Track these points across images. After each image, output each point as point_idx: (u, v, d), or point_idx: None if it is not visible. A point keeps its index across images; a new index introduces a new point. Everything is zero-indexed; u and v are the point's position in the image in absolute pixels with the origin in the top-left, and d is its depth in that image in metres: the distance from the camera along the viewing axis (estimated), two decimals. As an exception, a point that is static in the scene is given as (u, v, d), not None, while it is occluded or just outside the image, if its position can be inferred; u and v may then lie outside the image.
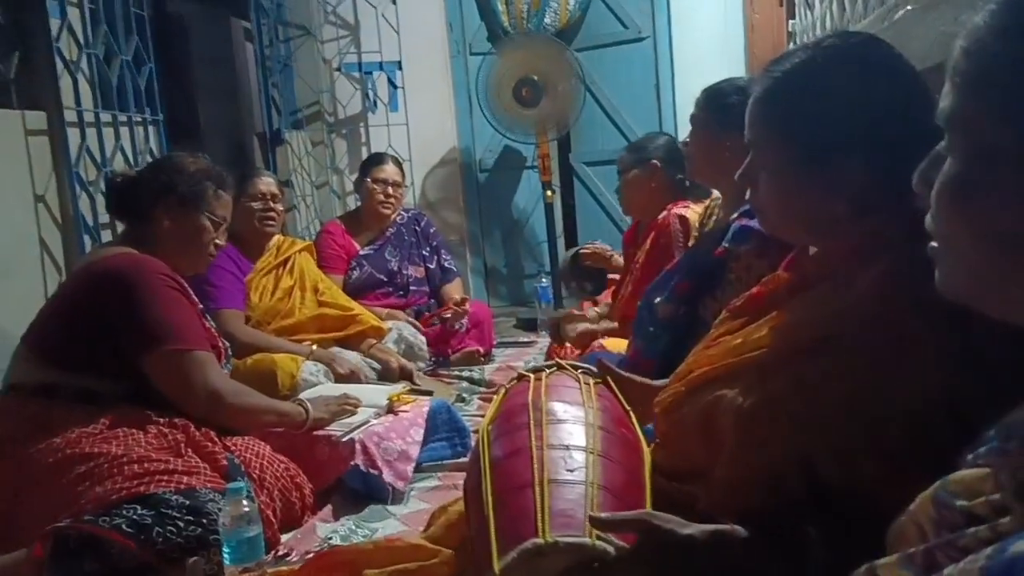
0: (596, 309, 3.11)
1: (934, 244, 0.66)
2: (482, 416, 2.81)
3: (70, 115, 2.70)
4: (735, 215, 1.75)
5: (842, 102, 1.02)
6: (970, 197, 0.61)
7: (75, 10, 2.79)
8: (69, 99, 2.71)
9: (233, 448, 1.86)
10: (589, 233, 5.41)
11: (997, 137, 0.58)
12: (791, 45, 3.90)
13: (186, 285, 2.00)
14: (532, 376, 1.39)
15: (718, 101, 1.90)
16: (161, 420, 1.81)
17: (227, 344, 2.15)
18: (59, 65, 2.66)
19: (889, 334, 0.93)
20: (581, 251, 3.55)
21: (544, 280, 4.58)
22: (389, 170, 3.85)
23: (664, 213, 2.55)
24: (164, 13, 5.13)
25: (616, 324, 2.71)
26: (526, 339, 4.46)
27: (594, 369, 1.44)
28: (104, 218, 2.81)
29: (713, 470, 1.07)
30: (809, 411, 0.95)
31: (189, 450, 1.77)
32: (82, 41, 2.80)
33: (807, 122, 1.04)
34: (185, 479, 1.68)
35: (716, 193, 2.16)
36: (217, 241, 2.06)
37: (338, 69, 5.10)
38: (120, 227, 2.66)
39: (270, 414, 2.09)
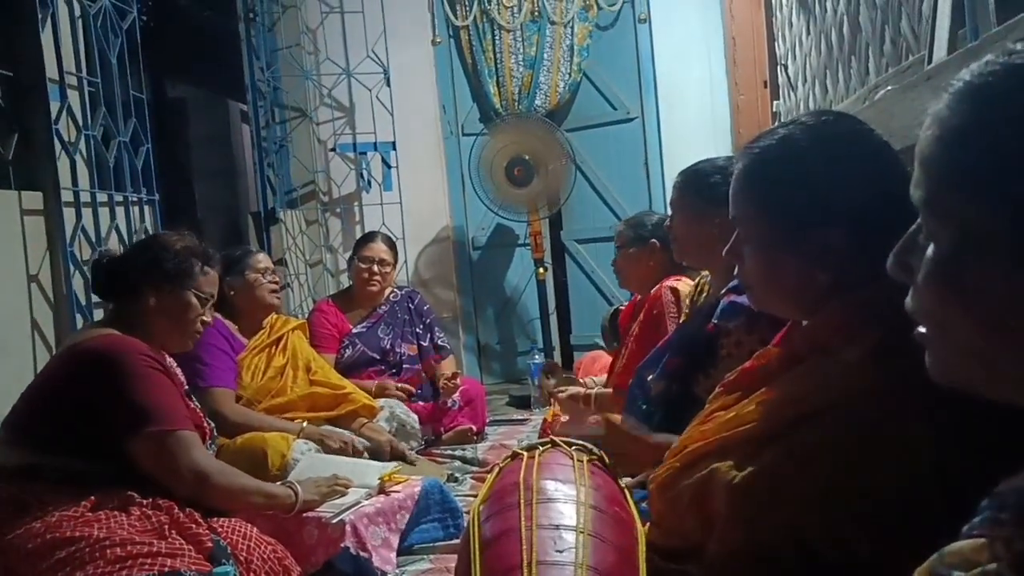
0: (595, 378, 3.11)
1: (922, 330, 0.66)
2: (475, 496, 2.78)
3: (67, 195, 2.73)
4: (723, 291, 1.76)
5: (818, 176, 1.05)
6: (962, 282, 0.61)
7: (75, 93, 2.85)
8: (66, 179, 2.74)
9: (219, 529, 1.82)
10: (581, 310, 5.43)
11: (984, 225, 0.59)
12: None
13: (168, 365, 1.98)
14: (525, 454, 1.37)
15: (700, 182, 1.92)
16: (145, 501, 1.77)
17: (212, 424, 2.12)
18: (57, 146, 2.70)
19: (878, 409, 0.93)
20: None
21: (537, 357, 4.57)
22: (376, 248, 3.88)
23: (657, 287, 2.58)
24: (163, 96, 5.25)
25: (610, 389, 2.70)
26: (519, 416, 4.43)
27: (588, 445, 1.43)
28: (97, 298, 2.82)
29: (707, 547, 1.05)
30: (801, 485, 0.94)
31: (173, 532, 1.73)
32: (81, 123, 2.85)
33: (785, 196, 1.07)
34: (169, 562, 1.64)
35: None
36: (204, 318, 2.05)
37: (333, 149, 5.19)
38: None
39: (258, 495, 2.05)
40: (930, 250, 0.63)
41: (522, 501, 1.21)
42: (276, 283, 3.24)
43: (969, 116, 0.60)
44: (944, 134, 0.62)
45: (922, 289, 0.64)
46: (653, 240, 2.75)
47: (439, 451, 3.57)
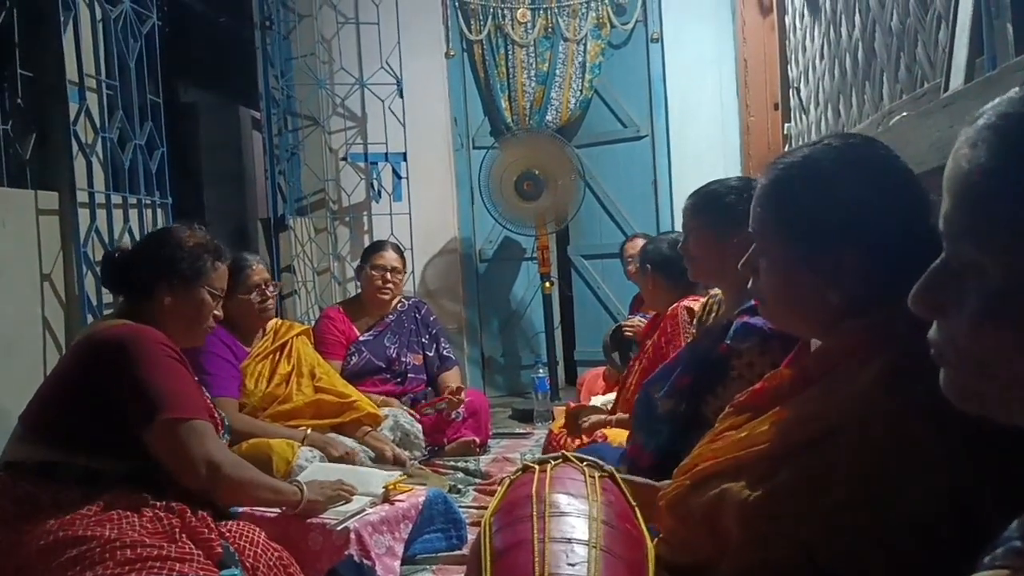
0: (602, 397, 3.13)
1: (957, 368, 0.64)
2: (478, 508, 2.80)
3: (82, 196, 2.75)
4: (736, 312, 1.77)
5: (837, 196, 1.06)
6: (1017, 315, 0.59)
7: (93, 95, 2.87)
8: (82, 180, 2.76)
9: (228, 535, 1.82)
10: (586, 325, 5.44)
11: None
12: (787, 147, 4.01)
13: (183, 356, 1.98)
14: (537, 467, 1.38)
15: (716, 202, 1.93)
16: (158, 504, 1.76)
17: (223, 415, 2.12)
18: (75, 148, 2.72)
19: (892, 431, 0.93)
20: (623, 325, 3.62)
21: (541, 371, 4.58)
22: (388, 256, 3.90)
23: (675, 305, 2.61)
24: (175, 101, 5.28)
25: (628, 416, 2.71)
26: (522, 430, 4.43)
27: (600, 462, 1.43)
28: (108, 298, 2.83)
29: (718, 564, 1.06)
30: (812, 506, 0.95)
31: (184, 536, 1.73)
32: (98, 125, 2.87)
33: (804, 214, 1.09)
34: (178, 566, 1.63)
35: (715, 290, 2.19)
36: (216, 313, 2.05)
37: (344, 159, 5.22)
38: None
39: (266, 491, 2.05)
40: (979, 285, 0.61)
41: (535, 514, 1.21)
42: (270, 298, 3.12)
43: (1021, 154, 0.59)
44: (993, 170, 0.60)
45: (972, 326, 0.62)
46: (647, 265, 2.88)
47: (442, 462, 3.57)
